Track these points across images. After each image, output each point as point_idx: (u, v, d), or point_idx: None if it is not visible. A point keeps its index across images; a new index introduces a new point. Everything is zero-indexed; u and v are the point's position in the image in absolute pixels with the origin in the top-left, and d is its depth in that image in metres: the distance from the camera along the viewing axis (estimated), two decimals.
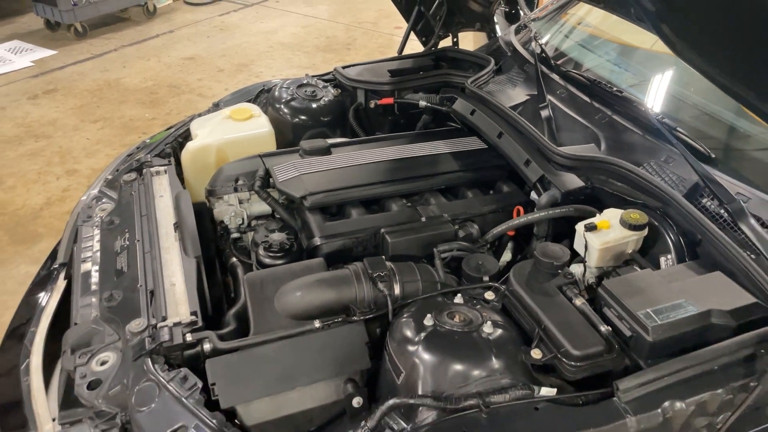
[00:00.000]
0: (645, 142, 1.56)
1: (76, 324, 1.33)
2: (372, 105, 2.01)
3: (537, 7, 2.55)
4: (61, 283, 1.61)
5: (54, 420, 1.26)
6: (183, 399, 1.10)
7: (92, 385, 1.18)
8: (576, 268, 1.37)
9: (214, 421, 1.06)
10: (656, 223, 1.39)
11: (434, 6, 2.30)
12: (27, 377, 1.40)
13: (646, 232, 1.37)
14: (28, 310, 1.61)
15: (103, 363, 1.23)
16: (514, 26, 2.25)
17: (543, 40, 2.05)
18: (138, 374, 1.15)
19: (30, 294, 1.66)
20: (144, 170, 1.72)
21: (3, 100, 4.04)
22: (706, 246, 1.33)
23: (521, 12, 2.38)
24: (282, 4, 6.12)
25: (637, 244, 1.38)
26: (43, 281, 1.67)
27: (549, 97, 1.79)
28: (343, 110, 2.04)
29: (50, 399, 1.35)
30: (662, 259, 1.36)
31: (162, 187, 1.67)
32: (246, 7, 6.03)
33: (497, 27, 2.41)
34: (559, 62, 1.92)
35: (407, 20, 2.33)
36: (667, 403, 1.07)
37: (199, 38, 5.23)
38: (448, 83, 2.02)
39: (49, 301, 1.60)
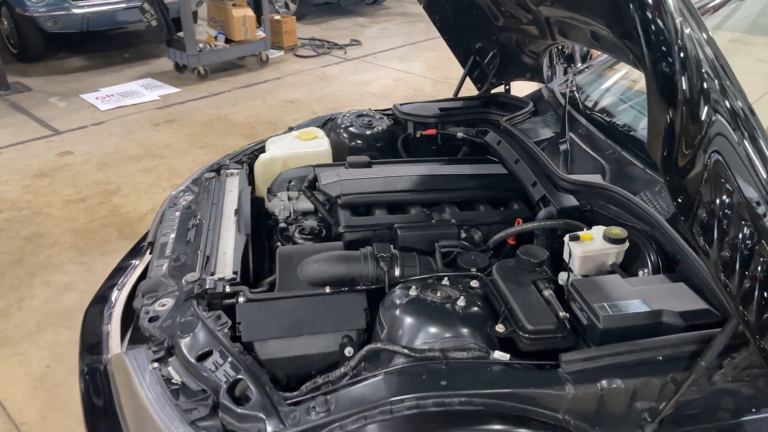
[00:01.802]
0: (644, 175, 1.73)
1: (148, 277, 1.69)
2: (418, 135, 2.31)
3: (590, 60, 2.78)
4: (147, 256, 2.00)
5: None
6: (215, 331, 1.40)
7: (152, 320, 1.51)
8: (562, 275, 1.55)
9: (234, 348, 1.35)
10: (640, 243, 1.56)
11: (488, 57, 2.60)
12: (109, 323, 1.77)
13: (626, 246, 1.54)
14: (119, 275, 2.01)
15: (162, 305, 1.57)
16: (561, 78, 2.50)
17: (580, 88, 2.28)
18: (185, 311, 1.48)
19: (121, 263, 2.06)
20: (222, 171, 2.11)
21: (131, 125, 4.75)
22: (682, 266, 1.48)
23: (571, 66, 2.62)
24: (379, 60, 6.68)
25: (618, 257, 1.55)
26: (132, 253, 2.08)
27: (570, 134, 2.01)
28: (394, 139, 2.35)
29: (123, 344, 1.70)
30: (640, 273, 1.52)
31: (233, 184, 2.04)
32: (346, 60, 6.64)
33: (545, 77, 2.66)
34: (588, 106, 2.14)
35: (464, 67, 2.64)
36: (605, 381, 1.23)
37: (301, 85, 5.83)
38: (486, 120, 2.28)
39: (135, 268, 2.00)
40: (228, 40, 5.97)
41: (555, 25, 2.09)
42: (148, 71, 6.06)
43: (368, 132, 2.31)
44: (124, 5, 5.99)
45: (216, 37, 5.90)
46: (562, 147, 1.97)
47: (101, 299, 1.89)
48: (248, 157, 2.27)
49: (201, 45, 5.71)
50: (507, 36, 2.42)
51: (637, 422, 1.26)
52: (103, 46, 6.84)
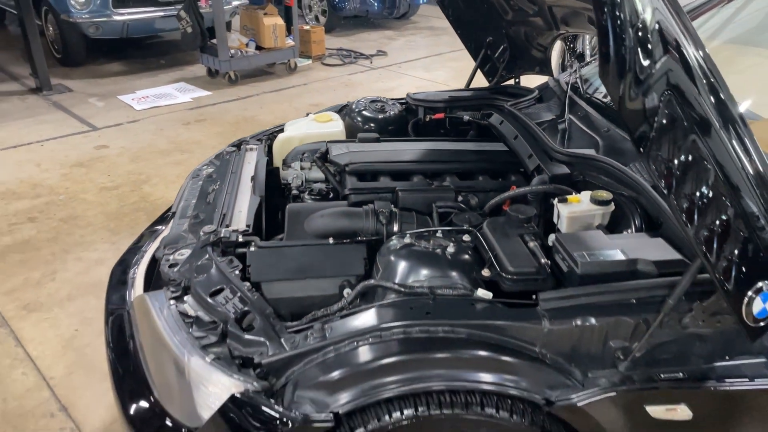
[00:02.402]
0: (634, 148, 1.83)
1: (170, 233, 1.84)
2: (427, 119, 2.44)
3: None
4: (171, 223, 2.16)
5: None
6: (226, 272, 1.54)
7: (171, 266, 1.66)
8: (552, 237, 1.66)
9: (243, 286, 1.49)
10: (625, 207, 1.65)
11: (499, 51, 2.72)
12: (134, 275, 1.92)
13: (611, 208, 1.63)
14: (144, 239, 2.17)
15: (181, 254, 1.71)
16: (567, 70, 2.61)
17: (585, 77, 2.39)
18: (201, 256, 1.62)
19: (146, 230, 2.22)
20: (242, 146, 2.27)
21: (164, 123, 4.99)
22: (664, 228, 1.57)
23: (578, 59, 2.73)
24: (404, 69, 6.86)
25: (604, 219, 1.65)
26: (158, 221, 2.24)
27: (569, 115, 2.12)
28: (405, 123, 2.49)
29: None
30: (624, 233, 1.62)
31: (251, 157, 2.20)
32: (372, 69, 6.83)
33: (556, 74, 2.77)
34: (590, 93, 2.25)
35: (475, 60, 2.77)
36: (580, 319, 1.33)
37: (326, 91, 6.03)
38: (492, 105, 2.41)
39: (160, 233, 2.16)
40: (258, 47, 6.22)
41: (558, 14, 2.22)
42: (182, 76, 6.34)
43: (380, 116, 2.45)
44: (161, 14, 6.29)
45: (247, 44, 6.16)
46: (561, 126, 2.08)
47: (127, 258, 2.05)
48: (267, 137, 2.43)
49: (232, 51, 5.97)
50: (516, 30, 2.55)
51: (611, 360, 1.35)
52: (141, 53, 7.17)
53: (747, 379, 1.35)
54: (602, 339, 1.35)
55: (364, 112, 2.46)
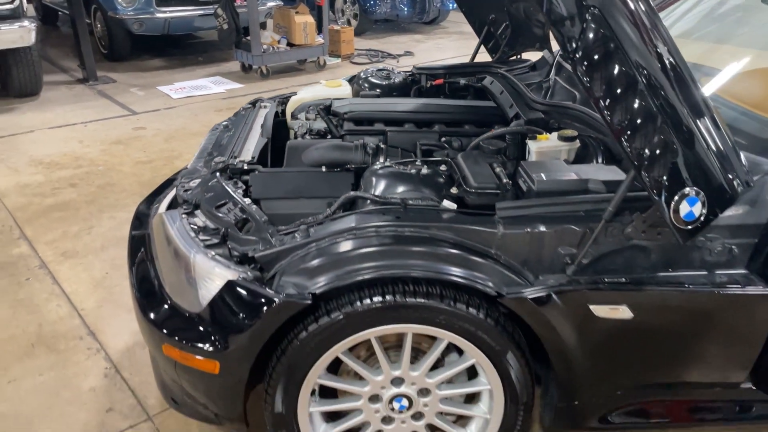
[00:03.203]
0: None
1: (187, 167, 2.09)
2: (428, 85, 2.65)
3: None
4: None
5: None
6: (230, 190, 1.77)
7: (185, 191, 1.90)
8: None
9: (244, 201, 1.71)
10: (590, 145, 1.82)
11: (501, 28, 2.91)
12: (157, 206, 2.17)
13: (576, 144, 1.81)
14: (167, 186, 2.42)
15: (195, 182, 1.95)
16: None
17: None
18: (210, 179, 1.86)
19: (170, 178, 2.47)
20: (257, 104, 2.51)
21: (198, 110, 5.32)
22: (624, 163, 1.73)
23: None
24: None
25: (570, 154, 1.82)
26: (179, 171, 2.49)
27: (555, 77, 2.30)
28: (409, 89, 2.70)
29: None
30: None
31: (263, 113, 2.44)
32: (398, 67, 7.06)
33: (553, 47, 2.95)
34: None
35: (479, 37, 2.97)
36: (530, 227, 1.50)
37: None
38: (488, 72, 2.60)
39: None
40: (289, 44, 6.54)
41: None
42: (218, 71, 6.69)
43: (385, 83, 2.67)
44: (200, 12, 6.67)
45: (279, 41, 6.48)
46: (545, 85, 2.26)
47: (150, 198, 2.30)
48: (282, 99, 2.67)
49: (265, 47, 6.29)
50: (516, 7, 2.74)
51: (560, 265, 1.52)
52: (181, 51, 7.58)
53: (684, 285, 1.51)
54: (552, 245, 1.51)
55: (370, 78, 2.69)
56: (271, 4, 7.14)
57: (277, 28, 6.75)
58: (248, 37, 6.24)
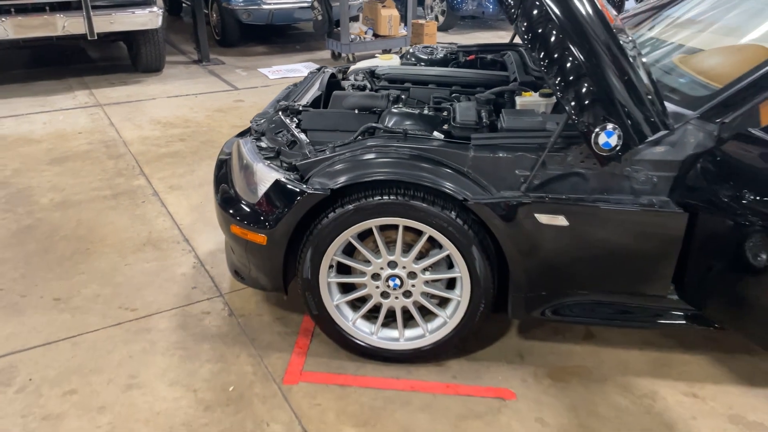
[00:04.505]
0: None
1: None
2: (462, 60, 3.18)
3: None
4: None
5: None
6: (287, 122, 2.41)
7: (257, 124, 2.56)
8: None
9: (295, 130, 2.34)
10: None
11: None
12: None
13: (553, 100, 2.29)
14: None
15: (264, 120, 2.62)
16: None
17: None
18: (274, 116, 2.51)
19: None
20: (321, 69, 3.16)
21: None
22: None
23: None
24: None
25: (548, 108, 2.30)
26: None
27: None
28: (447, 62, 3.23)
29: None
30: None
31: (324, 76, 3.07)
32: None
33: None
34: None
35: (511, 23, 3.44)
36: (493, 152, 2.02)
37: None
38: (511, 49, 3.09)
39: None
40: (375, 35, 7.20)
41: None
42: (311, 58, 7.49)
43: (426, 57, 3.22)
44: (299, 5, 7.50)
45: (366, 32, 7.16)
46: None
47: (235, 137, 3.00)
48: (342, 68, 3.30)
49: (353, 36, 6.99)
50: None
51: (516, 183, 2.02)
52: (282, 39, 8.48)
53: (610, 203, 1.96)
54: (511, 168, 2.02)
55: (416, 53, 3.25)
56: None
57: (365, 20, 7.44)
58: (339, 28, 6.97)
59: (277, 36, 8.62)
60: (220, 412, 2.08)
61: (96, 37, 5.72)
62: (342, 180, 2.05)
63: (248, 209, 2.24)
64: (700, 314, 2.07)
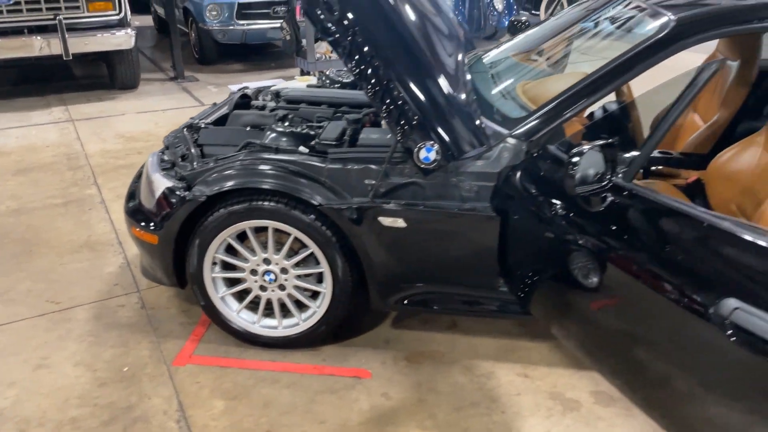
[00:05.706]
0: None
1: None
2: None
3: None
4: None
5: None
6: (188, 137, 2.76)
7: (168, 139, 2.91)
8: None
9: (190, 146, 2.70)
10: None
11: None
12: None
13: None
14: None
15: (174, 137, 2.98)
16: None
17: None
18: (180, 133, 2.86)
19: None
20: (240, 90, 3.52)
21: None
22: None
23: None
24: None
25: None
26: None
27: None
28: (355, 86, 3.58)
29: None
30: None
31: (236, 96, 3.42)
32: None
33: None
34: None
35: None
36: (347, 165, 2.35)
37: None
38: None
39: None
40: None
41: None
42: (282, 75, 7.88)
43: (340, 79, 3.57)
44: (271, 25, 7.92)
45: (332, 51, 7.55)
46: None
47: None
48: (260, 88, 3.65)
49: (318, 55, 7.38)
50: None
51: (365, 191, 2.35)
52: (260, 58, 8.90)
53: (441, 208, 2.29)
54: (361, 178, 2.35)
55: (330, 76, 3.61)
56: None
57: None
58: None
59: (255, 54, 9.03)
60: (112, 388, 2.42)
61: (71, 57, 6.14)
62: (216, 188, 2.40)
63: (145, 214, 2.59)
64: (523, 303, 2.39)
